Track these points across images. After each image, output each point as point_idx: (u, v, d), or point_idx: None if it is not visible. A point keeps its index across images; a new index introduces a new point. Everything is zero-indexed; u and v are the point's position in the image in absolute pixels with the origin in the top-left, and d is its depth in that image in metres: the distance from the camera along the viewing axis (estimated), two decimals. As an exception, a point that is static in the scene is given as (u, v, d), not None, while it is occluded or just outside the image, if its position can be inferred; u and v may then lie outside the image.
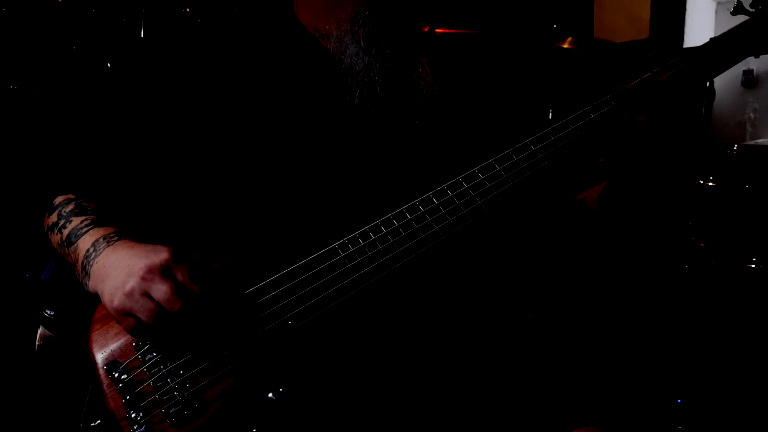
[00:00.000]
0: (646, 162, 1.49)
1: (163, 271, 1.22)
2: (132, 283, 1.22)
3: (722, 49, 1.48)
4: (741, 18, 1.49)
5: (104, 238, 1.33)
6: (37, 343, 1.41)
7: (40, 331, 1.41)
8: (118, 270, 1.26)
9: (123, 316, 1.25)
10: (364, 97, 1.49)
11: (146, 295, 1.22)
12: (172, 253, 1.24)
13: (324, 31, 1.53)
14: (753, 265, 2.47)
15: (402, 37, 1.51)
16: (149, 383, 1.28)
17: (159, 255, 1.24)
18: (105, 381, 1.28)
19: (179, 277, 1.23)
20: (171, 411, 1.26)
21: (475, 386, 1.47)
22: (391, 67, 1.49)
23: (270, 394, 1.28)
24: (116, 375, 1.28)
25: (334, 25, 1.50)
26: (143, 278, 1.22)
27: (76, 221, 1.38)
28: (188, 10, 2.94)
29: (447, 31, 2.74)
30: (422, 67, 1.56)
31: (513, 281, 1.67)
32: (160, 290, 1.21)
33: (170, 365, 1.29)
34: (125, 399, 1.27)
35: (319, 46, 1.54)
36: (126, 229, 1.38)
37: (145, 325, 1.23)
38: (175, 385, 1.27)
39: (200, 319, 1.26)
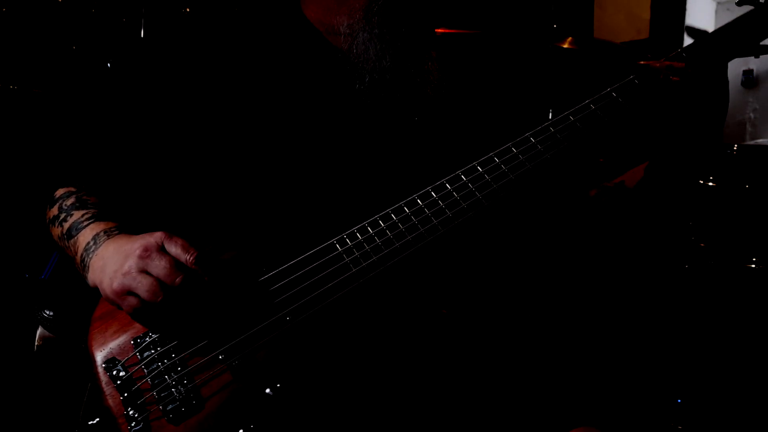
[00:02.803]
0: (684, 143, 1.50)
1: (160, 249, 1.24)
2: (129, 262, 1.23)
3: (726, 40, 1.47)
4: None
5: (105, 232, 1.35)
6: (36, 343, 1.41)
7: (39, 331, 1.41)
8: (116, 257, 1.27)
9: (123, 297, 1.25)
10: (371, 89, 1.49)
11: (145, 272, 1.23)
12: (166, 232, 1.26)
13: (333, 24, 1.53)
14: (753, 265, 2.47)
15: (416, 28, 1.52)
16: (147, 380, 1.28)
17: (154, 235, 1.25)
18: (103, 379, 1.29)
19: (173, 250, 1.24)
20: (168, 408, 1.26)
21: (474, 384, 1.47)
22: (404, 57, 1.49)
23: (267, 390, 1.28)
24: (114, 372, 1.29)
25: (345, 15, 1.51)
26: (140, 256, 1.23)
27: (77, 215, 1.39)
28: (188, 10, 2.94)
29: (447, 31, 2.74)
30: (432, 61, 1.56)
31: (513, 277, 1.67)
32: (158, 265, 1.22)
33: (167, 362, 1.29)
34: (123, 396, 1.27)
35: (324, 41, 1.54)
36: (127, 224, 1.39)
37: (146, 304, 1.23)
38: (172, 381, 1.28)
39: (200, 300, 1.27)
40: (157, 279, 1.22)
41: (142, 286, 1.22)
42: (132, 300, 1.24)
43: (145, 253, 1.23)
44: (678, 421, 2.46)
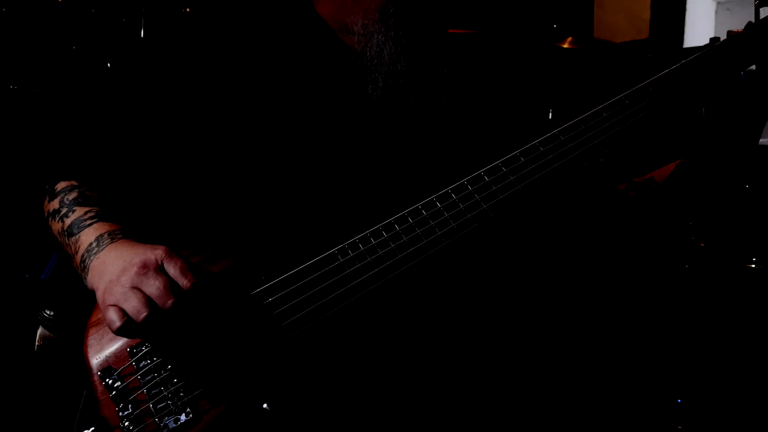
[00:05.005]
0: (720, 139, 1.47)
1: (158, 268, 1.22)
2: (125, 277, 1.21)
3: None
4: (740, 18, 1.48)
5: (108, 234, 1.33)
6: (36, 343, 1.40)
7: (39, 331, 1.40)
8: (115, 266, 1.25)
9: (107, 308, 1.22)
10: (384, 94, 1.47)
11: (138, 288, 1.20)
12: (168, 251, 1.24)
13: (347, 23, 1.50)
14: (753, 265, 2.47)
15: (432, 31, 1.49)
16: (143, 391, 1.27)
17: (155, 251, 1.23)
18: (99, 388, 1.28)
19: (171, 271, 1.21)
20: (164, 420, 1.25)
21: (478, 395, 1.45)
22: (419, 61, 1.47)
23: (265, 405, 1.27)
24: (110, 382, 1.28)
25: (360, 14, 1.48)
26: (137, 273, 1.21)
27: (79, 211, 1.37)
28: (188, 9, 2.94)
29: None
30: (446, 67, 1.54)
31: (514, 284, 1.66)
32: (152, 285, 1.20)
33: (164, 373, 1.28)
34: (119, 407, 1.26)
35: (337, 40, 1.52)
36: (129, 225, 1.37)
37: (131, 322, 1.20)
38: (168, 393, 1.27)
39: (194, 321, 1.25)
40: (148, 298, 1.19)
41: (130, 302, 1.19)
42: (114, 315, 1.20)
43: (143, 270, 1.21)
44: (678, 421, 2.46)
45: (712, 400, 2.46)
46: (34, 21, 2.86)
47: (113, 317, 1.20)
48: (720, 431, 2.46)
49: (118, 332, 1.21)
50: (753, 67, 1.45)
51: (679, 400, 2.48)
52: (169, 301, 1.19)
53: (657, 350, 2.54)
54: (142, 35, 2.91)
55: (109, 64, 2.85)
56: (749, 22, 1.46)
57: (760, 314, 2.45)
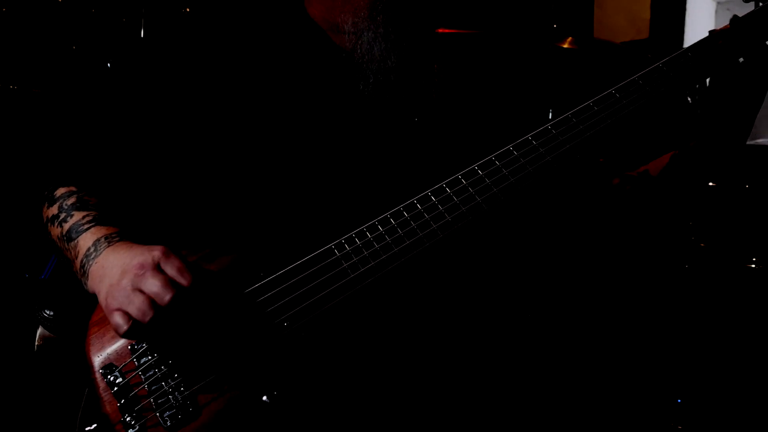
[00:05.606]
0: (711, 130, 1.47)
1: (156, 267, 1.22)
2: (125, 279, 1.22)
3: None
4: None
5: (105, 238, 1.33)
6: (36, 343, 1.41)
7: (39, 331, 1.41)
8: (115, 269, 1.26)
9: (112, 313, 1.23)
10: (376, 90, 1.48)
11: (138, 290, 1.21)
12: (165, 250, 1.24)
13: (337, 22, 1.52)
14: (753, 265, 2.47)
15: (421, 27, 1.51)
16: (144, 387, 1.28)
17: (152, 252, 1.24)
18: (101, 385, 1.29)
19: (168, 270, 1.22)
20: (165, 415, 1.26)
21: (475, 388, 1.46)
22: (409, 57, 1.48)
23: (264, 398, 1.28)
24: (112, 378, 1.28)
25: (350, 13, 1.49)
26: (136, 274, 1.21)
27: (77, 216, 1.38)
28: (188, 10, 2.94)
29: (447, 31, 2.74)
30: (437, 62, 1.55)
31: (513, 280, 1.66)
32: (151, 284, 1.20)
33: (164, 368, 1.28)
34: (120, 403, 1.27)
35: (328, 40, 1.54)
36: (127, 227, 1.38)
37: (136, 323, 1.21)
38: (169, 388, 1.27)
39: (192, 316, 1.25)
40: (149, 298, 1.20)
41: (134, 304, 1.20)
42: (119, 319, 1.21)
43: (141, 271, 1.21)
44: (678, 421, 2.46)
45: (712, 400, 2.47)
46: (34, 21, 2.86)
47: (119, 321, 1.21)
48: (720, 431, 2.46)
49: (126, 335, 1.22)
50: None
51: (679, 400, 2.48)
52: (167, 296, 1.19)
53: (657, 350, 2.55)
54: (142, 35, 2.91)
55: (109, 64, 2.85)
56: (734, 16, 1.47)
57: (760, 314, 2.45)
